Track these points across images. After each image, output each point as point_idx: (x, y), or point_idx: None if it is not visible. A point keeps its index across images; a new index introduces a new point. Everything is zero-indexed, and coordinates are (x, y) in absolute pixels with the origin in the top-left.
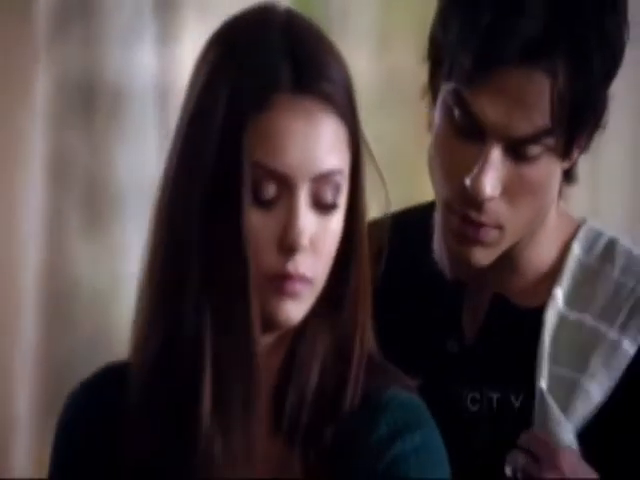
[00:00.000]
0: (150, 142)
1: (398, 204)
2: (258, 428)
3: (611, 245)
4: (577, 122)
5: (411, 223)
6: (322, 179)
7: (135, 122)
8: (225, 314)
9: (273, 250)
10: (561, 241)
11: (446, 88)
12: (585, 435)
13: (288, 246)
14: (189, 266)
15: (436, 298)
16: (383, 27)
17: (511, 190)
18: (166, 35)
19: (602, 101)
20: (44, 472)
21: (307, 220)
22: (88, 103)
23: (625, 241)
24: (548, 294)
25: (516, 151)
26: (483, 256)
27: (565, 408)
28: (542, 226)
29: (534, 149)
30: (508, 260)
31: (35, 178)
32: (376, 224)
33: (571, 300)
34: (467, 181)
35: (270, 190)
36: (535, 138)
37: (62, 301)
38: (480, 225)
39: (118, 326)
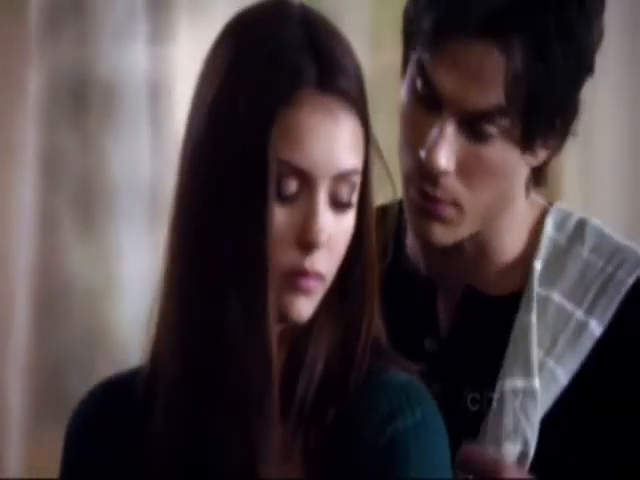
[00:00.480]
0: (143, 141)
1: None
2: (275, 416)
3: (581, 224)
4: (534, 108)
5: (384, 222)
6: (341, 178)
7: (128, 121)
8: (244, 308)
9: (291, 246)
10: (530, 227)
11: (412, 58)
12: (549, 418)
13: (307, 243)
14: (215, 263)
15: (411, 297)
16: (376, 25)
17: (466, 168)
18: (159, 34)
19: (568, 102)
20: (37, 471)
21: (326, 218)
22: (81, 102)
23: (595, 221)
24: (519, 280)
25: (471, 128)
26: (442, 233)
27: (542, 395)
28: (509, 215)
29: (489, 128)
30: (477, 251)
31: (28, 177)
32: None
33: (542, 277)
34: (422, 153)
35: (292, 186)
36: (489, 115)
37: (55, 300)
38: (437, 200)
39: (111, 325)
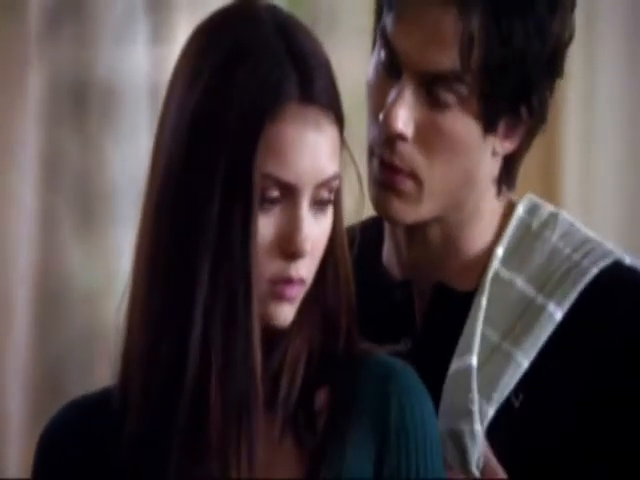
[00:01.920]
0: (142, 142)
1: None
2: (259, 423)
3: (554, 214)
4: (491, 81)
5: (362, 236)
6: (323, 184)
7: (127, 122)
8: (229, 319)
9: (275, 254)
10: (499, 220)
11: (378, 27)
12: (510, 402)
13: (292, 252)
14: (199, 273)
15: (388, 302)
16: (372, 28)
17: (424, 136)
18: (158, 35)
19: (532, 91)
20: None
21: (309, 225)
22: (81, 103)
23: (567, 214)
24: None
25: (429, 93)
26: (402, 209)
27: (497, 378)
28: (474, 207)
29: (446, 95)
30: (443, 243)
31: (28, 178)
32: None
33: (507, 259)
34: (380, 115)
35: (273, 194)
36: (445, 78)
37: (54, 301)
38: (395, 170)
39: (110, 326)
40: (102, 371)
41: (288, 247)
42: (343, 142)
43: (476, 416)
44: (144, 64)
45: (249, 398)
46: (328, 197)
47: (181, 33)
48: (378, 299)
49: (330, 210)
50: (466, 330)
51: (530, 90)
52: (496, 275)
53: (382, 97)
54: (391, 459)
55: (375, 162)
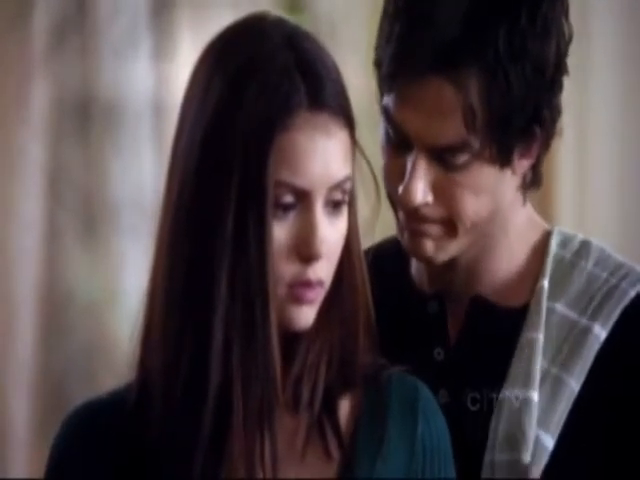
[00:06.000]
0: (145, 156)
1: (385, 210)
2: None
3: (586, 243)
4: (501, 130)
5: (387, 254)
6: (336, 187)
7: (130, 136)
8: (248, 328)
9: (292, 258)
10: (532, 243)
11: (381, 103)
12: (568, 426)
13: (309, 255)
14: (218, 281)
15: (420, 314)
16: (372, 41)
17: (445, 195)
18: (161, 50)
19: (541, 109)
20: None
21: (324, 228)
22: (84, 117)
23: (598, 241)
24: (525, 295)
25: (443, 160)
26: (435, 251)
27: (553, 405)
28: (506, 229)
29: (460, 157)
30: (476, 267)
31: (31, 191)
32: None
33: (547, 292)
34: (399, 190)
35: (287, 200)
36: (456, 147)
37: (58, 312)
38: (424, 219)
39: (113, 337)
40: (105, 381)
41: (305, 250)
42: (355, 144)
43: (529, 447)
44: (147, 80)
45: (270, 403)
46: (342, 198)
47: (184, 50)
48: (409, 311)
49: (345, 211)
50: (520, 360)
51: (540, 113)
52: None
53: (396, 168)
54: (417, 473)
55: (402, 214)
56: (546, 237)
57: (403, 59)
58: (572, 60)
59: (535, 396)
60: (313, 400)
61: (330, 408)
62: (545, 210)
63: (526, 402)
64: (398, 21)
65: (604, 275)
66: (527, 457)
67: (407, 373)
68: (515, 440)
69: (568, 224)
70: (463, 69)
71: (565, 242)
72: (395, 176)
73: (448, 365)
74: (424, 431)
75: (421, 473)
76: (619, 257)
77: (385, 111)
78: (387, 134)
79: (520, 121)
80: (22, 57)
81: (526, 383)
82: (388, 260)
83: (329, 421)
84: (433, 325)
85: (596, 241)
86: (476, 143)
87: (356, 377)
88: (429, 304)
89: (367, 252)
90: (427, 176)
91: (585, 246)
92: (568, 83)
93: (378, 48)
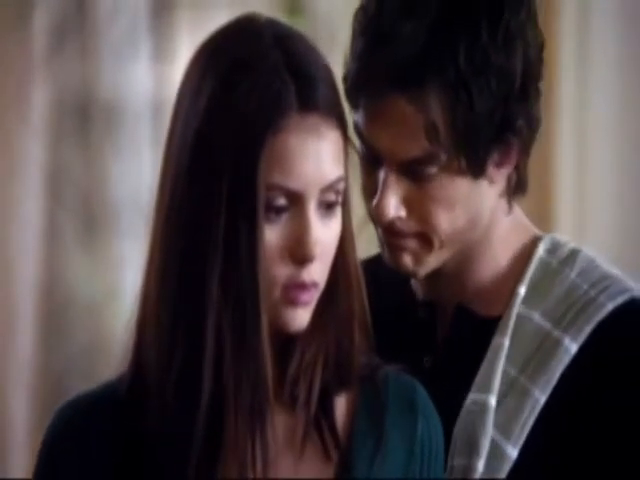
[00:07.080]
0: (145, 157)
1: None
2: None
3: (574, 252)
4: (470, 145)
5: (383, 265)
6: (329, 188)
7: (130, 137)
8: (239, 331)
9: (286, 260)
10: (517, 249)
11: (352, 120)
12: (532, 436)
13: (303, 257)
14: (209, 283)
15: (413, 320)
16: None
17: (419, 208)
18: (161, 53)
19: (514, 118)
20: None
21: (317, 229)
22: (84, 118)
23: (589, 251)
24: (505, 302)
25: (412, 172)
26: (414, 265)
27: (516, 414)
28: (490, 237)
29: (429, 169)
30: (460, 275)
31: (31, 192)
32: None
33: (526, 297)
34: (374, 201)
35: (280, 202)
36: (423, 160)
37: (58, 313)
38: (401, 234)
39: (113, 338)
40: None
41: (298, 252)
42: (347, 144)
43: (483, 453)
44: (146, 81)
45: (262, 405)
46: (335, 199)
47: (183, 51)
48: (404, 317)
49: (338, 212)
50: (486, 366)
51: (511, 121)
52: (517, 316)
53: (369, 183)
54: (415, 472)
55: (379, 230)
56: (534, 243)
57: (363, 77)
58: (572, 60)
59: (492, 401)
60: (309, 400)
61: (327, 408)
62: (544, 211)
63: (483, 407)
64: (360, 39)
65: (584, 287)
66: (478, 462)
67: (403, 372)
68: (469, 445)
69: (567, 225)
70: (423, 86)
71: (554, 248)
72: (369, 192)
73: (435, 372)
74: (424, 431)
75: (419, 473)
76: (608, 268)
77: (355, 127)
78: (362, 150)
79: (489, 133)
80: (22, 57)
81: (485, 388)
82: (384, 271)
83: (326, 421)
84: (423, 332)
85: (588, 250)
86: (444, 156)
87: (352, 377)
88: (420, 311)
89: (370, 259)
90: (398, 190)
91: (573, 254)
92: (568, 83)
93: (345, 65)
